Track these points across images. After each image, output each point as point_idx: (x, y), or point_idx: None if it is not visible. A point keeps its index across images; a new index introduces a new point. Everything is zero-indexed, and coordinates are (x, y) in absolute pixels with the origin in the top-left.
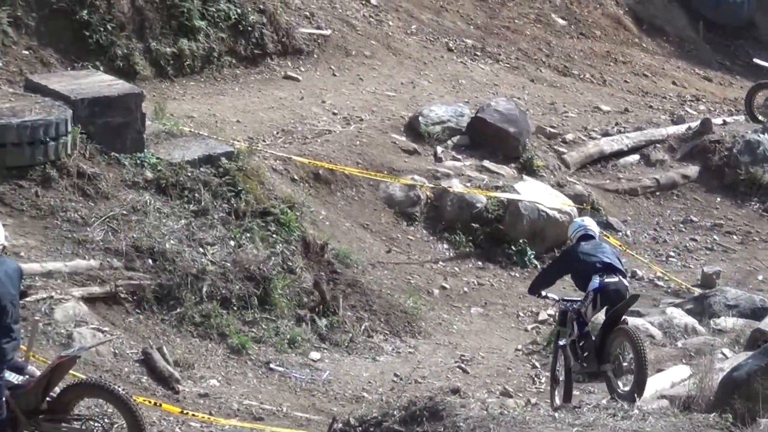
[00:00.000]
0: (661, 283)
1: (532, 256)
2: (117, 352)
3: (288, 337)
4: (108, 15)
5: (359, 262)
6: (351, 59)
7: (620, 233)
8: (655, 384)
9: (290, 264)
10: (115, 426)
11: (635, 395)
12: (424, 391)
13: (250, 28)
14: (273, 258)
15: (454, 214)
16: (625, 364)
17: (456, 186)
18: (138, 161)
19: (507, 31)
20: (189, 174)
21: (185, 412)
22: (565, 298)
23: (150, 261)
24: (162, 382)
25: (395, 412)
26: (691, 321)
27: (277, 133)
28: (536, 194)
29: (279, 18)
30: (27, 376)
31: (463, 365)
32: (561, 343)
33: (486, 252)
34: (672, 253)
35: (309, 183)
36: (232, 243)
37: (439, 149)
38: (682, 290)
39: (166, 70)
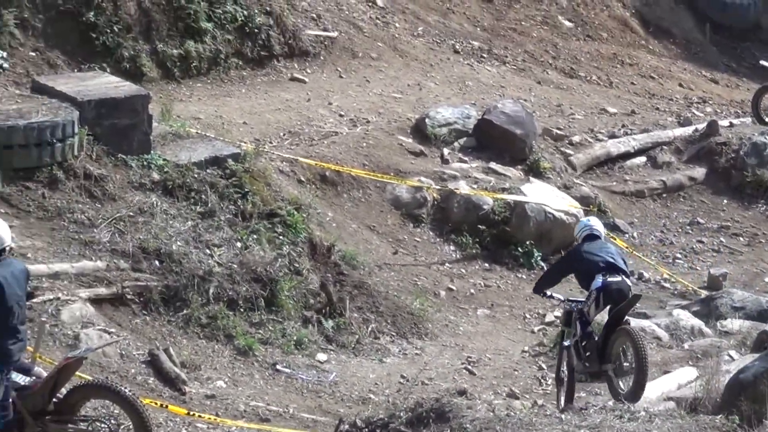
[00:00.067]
0: (667, 284)
1: (539, 258)
2: (123, 353)
3: (295, 338)
4: (115, 17)
5: (366, 263)
6: (357, 61)
7: (627, 235)
8: (662, 386)
9: (297, 265)
10: (122, 427)
11: (635, 395)
12: (431, 392)
13: (256, 30)
14: (280, 259)
15: (461, 216)
16: (626, 364)
17: (462, 188)
18: (145, 163)
19: (514, 33)
20: (196, 175)
21: (192, 413)
22: (570, 298)
23: (157, 262)
24: (168, 384)
25: (402, 414)
26: (697, 323)
27: (284, 134)
28: (543, 196)
29: (286, 20)
30: (34, 378)
31: (469, 367)
32: (566, 343)
33: (492, 254)
34: (678, 255)
35: (315, 185)
36: (238, 244)
37: (446, 151)
38: (688, 292)
39: (173, 71)
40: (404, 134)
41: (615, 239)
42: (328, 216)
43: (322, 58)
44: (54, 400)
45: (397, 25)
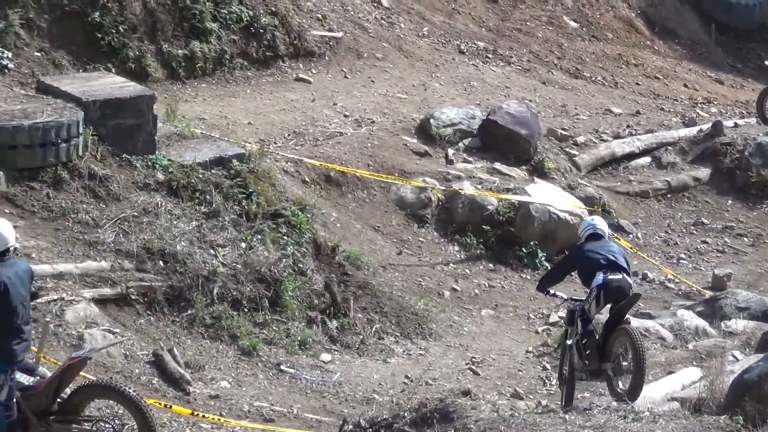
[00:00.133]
0: (672, 285)
1: (543, 258)
2: (128, 353)
3: (299, 338)
4: (120, 17)
5: (370, 264)
6: (362, 61)
7: (631, 235)
8: (666, 386)
9: (301, 266)
10: (126, 427)
11: (633, 395)
12: (435, 392)
13: (261, 31)
14: (284, 260)
15: (465, 217)
16: (624, 363)
17: (467, 188)
18: (149, 163)
19: (519, 33)
20: (200, 176)
21: (196, 413)
22: (573, 297)
23: (161, 263)
24: (173, 384)
25: (406, 414)
26: (701, 323)
27: (289, 135)
28: (547, 196)
29: (291, 20)
30: (38, 378)
31: (473, 367)
32: (568, 342)
33: (497, 254)
34: (683, 256)
35: (320, 185)
36: (243, 245)
37: (451, 151)
38: (693, 292)
39: (178, 72)
40: (409, 135)
41: (619, 239)
42: (333, 216)
43: (327, 58)
44: (58, 400)
45: (402, 25)
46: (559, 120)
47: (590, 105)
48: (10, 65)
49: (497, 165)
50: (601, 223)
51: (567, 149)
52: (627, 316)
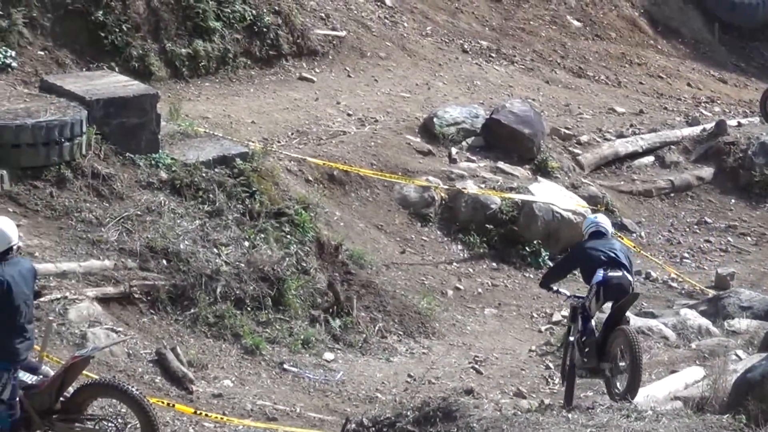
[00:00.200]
0: (675, 284)
1: (546, 257)
2: (131, 352)
3: (302, 337)
4: (123, 16)
5: (373, 262)
6: (366, 60)
7: (634, 235)
8: (669, 385)
9: (304, 265)
10: (129, 426)
11: (629, 396)
12: (438, 391)
13: (265, 30)
14: (287, 259)
15: (469, 216)
16: (622, 364)
17: (470, 187)
18: (153, 162)
19: (522, 32)
20: (203, 175)
21: (199, 412)
22: (576, 294)
23: (164, 261)
24: (175, 383)
25: (409, 413)
26: (704, 322)
27: (292, 134)
28: (551, 195)
29: (294, 19)
30: (41, 376)
31: (476, 366)
32: (570, 339)
33: (500, 253)
34: (686, 255)
35: (323, 184)
36: (246, 244)
37: (454, 150)
38: (696, 291)
39: (181, 71)
40: (412, 134)
41: (622, 239)
42: (336, 215)
43: (330, 57)
44: (61, 399)
45: (405, 24)
46: (563, 119)
47: (593, 104)
48: (14, 64)
49: (500, 164)
50: (604, 221)
51: (570, 148)
52: (627, 315)
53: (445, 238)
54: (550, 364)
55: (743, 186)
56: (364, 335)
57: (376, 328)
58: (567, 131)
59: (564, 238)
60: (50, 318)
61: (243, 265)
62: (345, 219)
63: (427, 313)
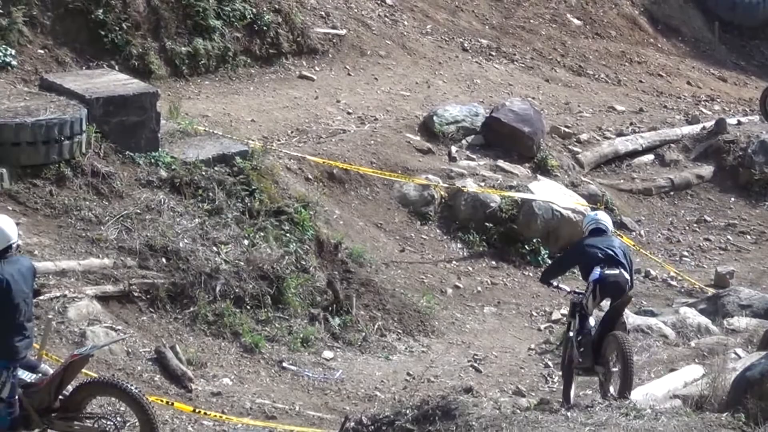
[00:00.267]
0: (674, 282)
1: (546, 256)
2: (130, 350)
3: (301, 336)
4: (123, 14)
5: (373, 261)
6: (366, 59)
7: (634, 233)
8: (668, 384)
9: (304, 263)
10: (128, 424)
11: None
12: (437, 390)
13: (265, 28)
14: (286, 257)
15: (468, 214)
16: (614, 370)
17: (470, 185)
18: (152, 160)
19: (522, 31)
20: (203, 173)
21: (198, 410)
22: (576, 290)
23: (164, 260)
24: (175, 381)
25: (408, 411)
26: (704, 321)
27: (292, 132)
28: (550, 194)
29: (294, 18)
30: (40, 375)
31: (475, 364)
32: (570, 334)
33: (500, 251)
34: (686, 253)
35: (323, 182)
36: (245, 242)
37: (454, 149)
38: (695, 290)
39: (181, 69)
40: (412, 132)
41: (622, 237)
42: (336, 214)
43: (330, 55)
44: (60, 397)
45: (405, 23)
46: (563, 117)
47: (593, 102)
48: (14, 62)
49: (500, 162)
50: (604, 218)
51: (570, 147)
52: (623, 317)
53: (445, 237)
54: (550, 363)
55: (743, 184)
56: (364, 334)
57: (376, 326)
58: (567, 129)
59: (563, 237)
60: (49, 316)
61: (242, 263)
62: (344, 217)
63: (426, 312)
